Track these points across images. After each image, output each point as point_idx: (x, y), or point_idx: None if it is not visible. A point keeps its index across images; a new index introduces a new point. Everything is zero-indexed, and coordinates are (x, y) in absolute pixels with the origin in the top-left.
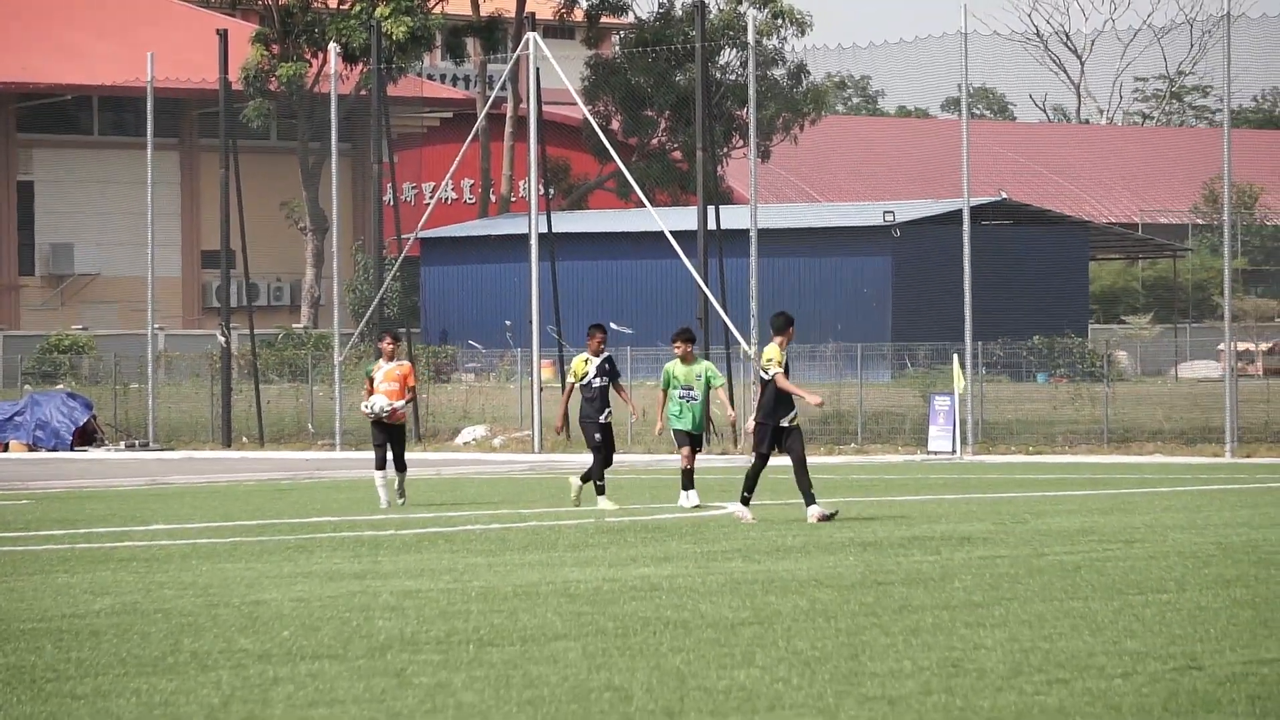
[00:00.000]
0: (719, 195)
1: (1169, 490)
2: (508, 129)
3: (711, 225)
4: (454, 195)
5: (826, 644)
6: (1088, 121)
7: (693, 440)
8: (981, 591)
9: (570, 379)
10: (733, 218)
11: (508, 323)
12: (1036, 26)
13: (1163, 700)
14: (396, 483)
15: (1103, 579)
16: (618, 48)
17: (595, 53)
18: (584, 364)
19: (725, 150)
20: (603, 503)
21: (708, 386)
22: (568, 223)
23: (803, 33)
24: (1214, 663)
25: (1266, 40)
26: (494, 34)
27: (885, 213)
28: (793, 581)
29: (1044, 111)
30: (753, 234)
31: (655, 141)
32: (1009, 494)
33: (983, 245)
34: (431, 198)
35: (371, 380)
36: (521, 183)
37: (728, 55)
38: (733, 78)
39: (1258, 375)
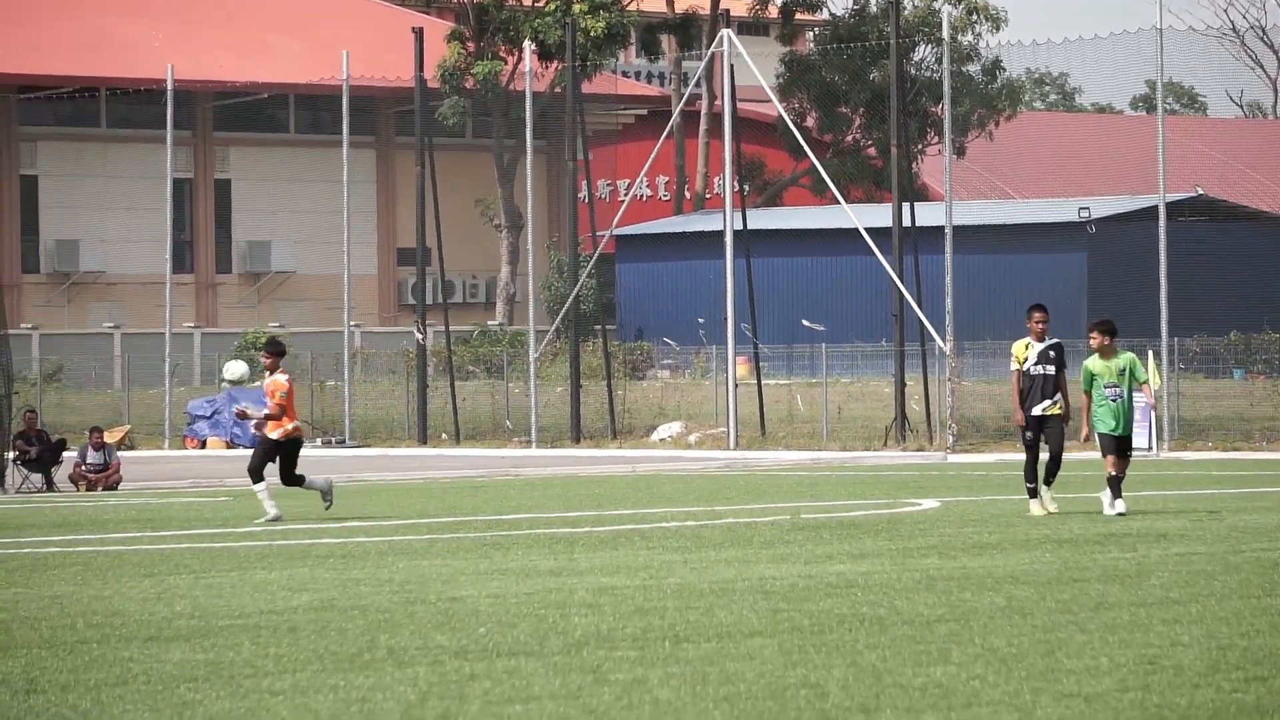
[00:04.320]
0: (914, 192)
1: None
2: (702, 126)
3: (906, 222)
4: (649, 192)
5: (1023, 641)
6: None
7: (1120, 444)
8: (1178, 588)
9: (1014, 365)
10: (928, 214)
11: (700, 319)
12: (1232, 21)
13: None
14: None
15: None
16: (812, 44)
17: (790, 49)
18: (1024, 349)
19: (920, 147)
20: (1034, 506)
21: (1131, 380)
22: (762, 220)
23: (997, 28)
24: None
25: None
26: (689, 31)
27: (1081, 209)
28: (989, 578)
29: (1240, 107)
30: (948, 231)
31: (850, 138)
32: (1205, 490)
33: (1178, 241)
34: (626, 195)
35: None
36: (716, 179)
37: (922, 51)
38: (928, 74)
39: None
